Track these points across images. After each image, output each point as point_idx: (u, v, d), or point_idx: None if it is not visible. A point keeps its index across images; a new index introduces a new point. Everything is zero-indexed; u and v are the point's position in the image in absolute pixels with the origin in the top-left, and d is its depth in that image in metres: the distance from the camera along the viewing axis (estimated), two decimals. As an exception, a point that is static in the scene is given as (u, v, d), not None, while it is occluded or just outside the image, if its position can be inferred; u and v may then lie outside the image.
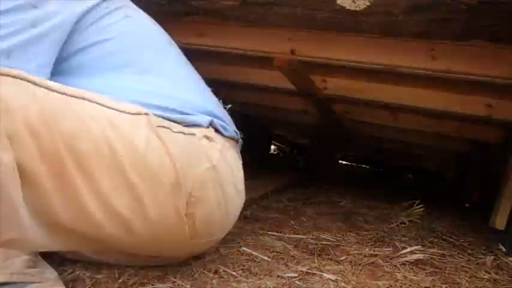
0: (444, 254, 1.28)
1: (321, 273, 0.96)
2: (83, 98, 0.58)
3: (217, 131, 0.80)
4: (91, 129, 0.57)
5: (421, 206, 1.80)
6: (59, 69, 0.68)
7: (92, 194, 0.57)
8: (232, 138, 0.86)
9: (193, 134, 0.73)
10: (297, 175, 2.69)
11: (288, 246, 1.13)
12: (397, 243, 1.32)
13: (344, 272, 0.99)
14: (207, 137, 0.76)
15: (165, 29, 1.68)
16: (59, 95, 0.55)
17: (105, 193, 0.58)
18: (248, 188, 1.79)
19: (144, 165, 0.62)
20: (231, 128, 0.88)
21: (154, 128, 0.64)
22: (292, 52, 1.48)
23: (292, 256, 1.05)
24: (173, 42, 0.95)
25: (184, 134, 0.71)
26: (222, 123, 0.84)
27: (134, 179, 0.61)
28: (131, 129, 0.61)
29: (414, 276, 1.03)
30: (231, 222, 0.85)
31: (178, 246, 0.78)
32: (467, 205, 2.59)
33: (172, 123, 0.70)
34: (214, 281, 0.83)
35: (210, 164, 0.72)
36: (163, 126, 0.67)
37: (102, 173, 0.58)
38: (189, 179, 0.67)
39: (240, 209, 0.86)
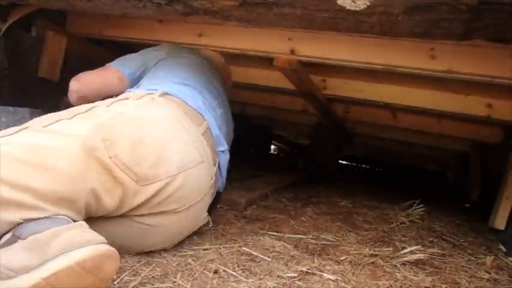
0: (444, 254, 1.28)
1: (321, 273, 0.96)
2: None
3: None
4: None
5: (421, 206, 1.80)
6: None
7: None
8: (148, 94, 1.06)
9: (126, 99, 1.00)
10: (296, 175, 2.69)
11: (288, 246, 1.13)
12: (397, 243, 1.32)
13: (344, 272, 1.00)
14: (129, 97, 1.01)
15: (165, 28, 1.69)
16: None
17: None
18: (248, 188, 1.79)
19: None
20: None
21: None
22: (292, 52, 1.48)
23: (292, 256, 1.05)
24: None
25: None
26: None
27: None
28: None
29: (414, 276, 1.04)
30: (162, 152, 0.91)
31: (132, 195, 0.85)
32: (467, 205, 2.59)
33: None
34: (214, 281, 0.83)
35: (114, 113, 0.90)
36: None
37: None
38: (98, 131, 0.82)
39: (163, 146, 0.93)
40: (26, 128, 0.79)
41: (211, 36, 1.60)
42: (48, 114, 0.86)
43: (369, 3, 0.93)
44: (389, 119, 2.59)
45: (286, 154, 5.86)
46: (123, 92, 1.21)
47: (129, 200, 0.85)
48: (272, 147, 5.66)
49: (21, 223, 0.67)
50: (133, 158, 0.84)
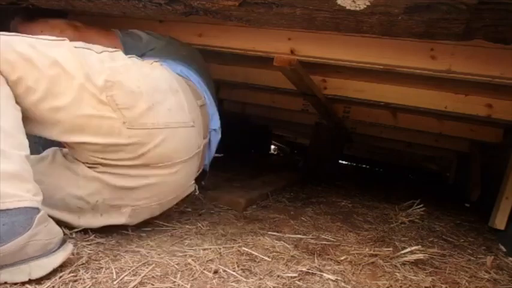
0: (444, 254, 1.29)
1: (321, 273, 0.96)
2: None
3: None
4: None
5: (421, 206, 1.80)
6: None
7: None
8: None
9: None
10: (296, 175, 2.69)
11: (288, 246, 1.13)
12: (397, 243, 1.32)
13: (344, 272, 1.00)
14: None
15: (165, 29, 1.69)
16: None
17: None
18: (248, 188, 1.79)
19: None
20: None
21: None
22: (292, 52, 1.48)
23: (292, 256, 1.05)
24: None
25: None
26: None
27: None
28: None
29: (414, 276, 1.04)
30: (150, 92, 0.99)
31: (116, 134, 0.93)
32: (467, 205, 2.59)
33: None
34: (214, 281, 0.83)
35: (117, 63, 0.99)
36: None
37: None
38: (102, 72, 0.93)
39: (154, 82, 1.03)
40: (63, 40, 0.93)
41: (211, 36, 1.61)
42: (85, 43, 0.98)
43: (368, 3, 0.93)
44: (389, 119, 2.59)
45: (286, 154, 5.86)
46: None
47: (113, 136, 0.92)
48: (272, 147, 5.67)
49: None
50: (126, 102, 0.93)
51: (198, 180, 1.21)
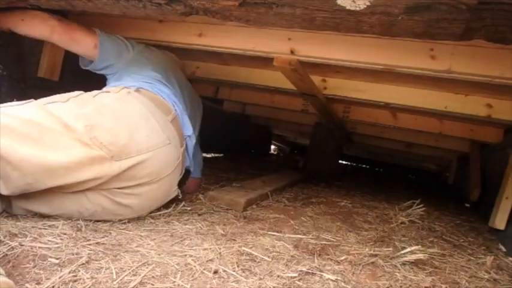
0: (444, 254, 1.29)
1: (321, 273, 0.96)
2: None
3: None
4: None
5: (421, 206, 1.80)
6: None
7: None
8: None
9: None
10: (296, 175, 2.69)
11: (288, 246, 1.13)
12: (397, 243, 1.32)
13: (344, 272, 1.00)
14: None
15: (165, 28, 1.68)
16: None
17: None
18: (248, 188, 1.79)
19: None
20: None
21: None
22: (292, 52, 1.48)
23: (292, 256, 1.05)
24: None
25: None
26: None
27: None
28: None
29: (414, 276, 1.04)
30: (136, 137, 1.12)
31: (107, 167, 1.04)
32: (467, 205, 2.59)
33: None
34: (214, 281, 0.83)
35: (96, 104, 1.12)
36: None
37: None
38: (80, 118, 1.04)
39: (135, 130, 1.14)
40: (30, 102, 1.03)
41: (211, 36, 1.60)
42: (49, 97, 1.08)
43: (368, 3, 0.93)
44: (389, 119, 2.59)
45: (286, 154, 5.86)
46: (85, 55, 1.49)
47: (106, 171, 1.04)
48: (272, 147, 5.67)
49: None
50: (108, 139, 1.05)
51: (181, 181, 1.39)
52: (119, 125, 1.10)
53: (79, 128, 1.01)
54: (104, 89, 1.26)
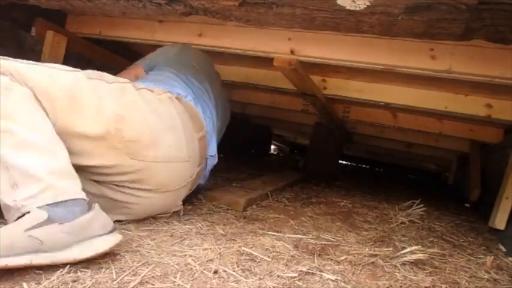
0: (444, 254, 1.28)
1: (321, 273, 0.96)
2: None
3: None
4: None
5: (421, 206, 1.80)
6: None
7: None
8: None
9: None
10: (297, 175, 2.70)
11: (288, 246, 1.13)
12: (397, 243, 1.32)
13: (344, 272, 1.00)
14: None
15: (165, 28, 1.69)
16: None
17: None
18: (248, 188, 1.78)
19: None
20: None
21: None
22: (292, 52, 1.48)
23: (292, 256, 1.05)
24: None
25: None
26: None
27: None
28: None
29: (414, 276, 1.04)
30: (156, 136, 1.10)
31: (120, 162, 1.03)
32: (467, 205, 2.59)
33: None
34: (214, 281, 0.83)
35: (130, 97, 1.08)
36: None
37: None
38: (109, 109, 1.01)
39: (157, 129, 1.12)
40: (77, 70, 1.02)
41: (211, 36, 1.61)
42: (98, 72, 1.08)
43: (368, 3, 0.93)
44: (389, 119, 2.59)
45: (286, 154, 5.86)
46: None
47: (118, 163, 1.02)
48: (272, 147, 5.67)
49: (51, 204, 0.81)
50: (132, 136, 1.03)
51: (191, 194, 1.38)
52: (147, 127, 1.07)
53: (109, 114, 0.99)
54: (147, 84, 1.22)
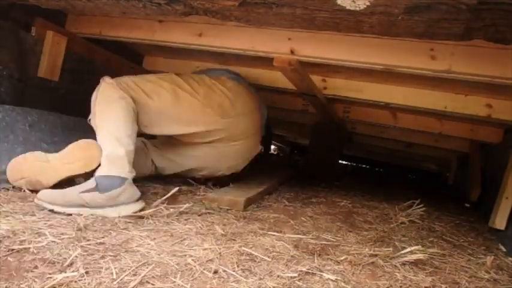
0: (444, 254, 1.28)
1: (321, 273, 0.96)
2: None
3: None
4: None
5: (421, 206, 1.80)
6: None
7: None
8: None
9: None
10: (296, 175, 2.70)
11: (288, 246, 1.13)
12: (397, 243, 1.32)
13: (344, 272, 1.00)
14: None
15: (165, 28, 1.68)
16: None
17: None
18: (248, 187, 1.78)
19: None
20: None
21: None
22: (292, 52, 1.48)
23: (292, 256, 1.05)
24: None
25: None
26: None
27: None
28: None
29: (414, 276, 1.04)
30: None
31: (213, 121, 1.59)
32: (467, 205, 2.59)
33: None
34: (214, 281, 0.83)
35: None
36: None
37: None
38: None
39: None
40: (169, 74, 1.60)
41: (211, 36, 1.60)
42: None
43: (368, 3, 0.93)
44: (389, 119, 2.59)
45: (286, 154, 5.86)
46: None
47: (214, 126, 1.58)
48: (272, 147, 5.66)
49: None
50: (218, 107, 1.58)
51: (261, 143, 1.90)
52: (227, 99, 1.62)
53: (201, 98, 1.54)
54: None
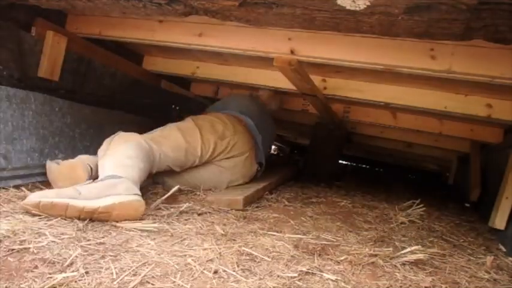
0: (444, 254, 1.29)
1: (321, 273, 0.96)
2: None
3: None
4: None
5: (421, 206, 1.80)
6: None
7: None
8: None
9: None
10: (296, 175, 2.70)
11: (288, 246, 1.13)
12: (397, 243, 1.32)
13: (344, 272, 1.00)
14: None
15: (165, 28, 1.68)
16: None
17: None
18: (248, 187, 1.78)
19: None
20: None
21: None
22: (292, 52, 1.48)
23: (292, 256, 1.05)
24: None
25: None
26: None
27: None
28: None
29: (414, 276, 1.04)
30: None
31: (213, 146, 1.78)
32: (467, 205, 2.59)
33: None
34: (214, 281, 0.83)
35: None
36: None
37: None
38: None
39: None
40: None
41: (211, 36, 1.60)
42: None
43: (368, 3, 0.93)
44: (389, 119, 2.59)
45: (286, 154, 5.86)
46: None
47: (218, 147, 1.75)
48: (272, 147, 5.66)
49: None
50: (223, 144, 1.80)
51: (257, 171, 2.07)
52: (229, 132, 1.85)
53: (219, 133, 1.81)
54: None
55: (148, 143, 1.45)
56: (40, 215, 1.05)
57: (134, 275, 0.81)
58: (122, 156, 1.31)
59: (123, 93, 2.19)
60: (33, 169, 1.40)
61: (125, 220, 1.12)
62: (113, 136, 1.47)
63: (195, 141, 1.64)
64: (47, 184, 1.38)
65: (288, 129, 4.20)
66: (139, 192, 1.21)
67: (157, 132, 1.59)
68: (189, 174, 1.72)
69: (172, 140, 1.57)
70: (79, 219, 1.07)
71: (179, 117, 2.16)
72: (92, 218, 1.09)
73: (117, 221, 1.11)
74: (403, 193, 2.73)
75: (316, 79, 2.05)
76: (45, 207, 1.05)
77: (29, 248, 0.85)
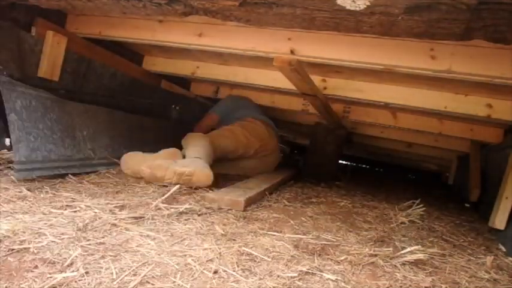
0: (444, 254, 1.29)
1: (321, 273, 0.96)
2: None
3: None
4: None
5: (421, 206, 1.80)
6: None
7: None
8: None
9: None
10: (296, 174, 2.69)
11: (288, 246, 1.13)
12: (397, 243, 1.32)
13: (344, 272, 1.00)
14: None
15: (165, 28, 1.69)
16: None
17: None
18: (248, 187, 1.77)
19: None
20: None
21: None
22: (292, 52, 1.48)
23: (292, 256, 1.05)
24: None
25: None
26: None
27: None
28: None
29: (414, 276, 1.04)
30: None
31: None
32: (467, 205, 2.59)
33: None
34: (214, 281, 0.83)
35: None
36: None
37: None
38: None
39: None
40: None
41: (211, 36, 1.61)
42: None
43: (368, 3, 0.93)
44: (389, 119, 2.60)
45: (286, 154, 5.86)
46: (215, 125, 2.58)
47: (251, 146, 2.33)
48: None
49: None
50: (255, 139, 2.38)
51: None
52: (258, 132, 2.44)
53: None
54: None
55: (209, 138, 2.03)
56: (40, 216, 1.05)
57: (134, 275, 0.81)
58: (197, 147, 1.87)
59: (123, 93, 2.20)
60: (110, 159, 1.85)
61: (200, 183, 1.66)
62: (186, 135, 2.07)
63: (243, 141, 2.26)
64: (119, 171, 1.79)
65: (288, 129, 4.20)
66: (209, 168, 1.72)
67: (215, 132, 2.23)
68: (240, 163, 2.38)
69: (227, 137, 2.19)
70: (173, 180, 1.60)
71: (179, 117, 2.22)
72: (180, 179, 1.61)
73: (195, 185, 1.65)
74: (403, 193, 2.74)
75: (316, 79, 2.05)
76: (154, 166, 1.61)
77: (29, 248, 0.85)
